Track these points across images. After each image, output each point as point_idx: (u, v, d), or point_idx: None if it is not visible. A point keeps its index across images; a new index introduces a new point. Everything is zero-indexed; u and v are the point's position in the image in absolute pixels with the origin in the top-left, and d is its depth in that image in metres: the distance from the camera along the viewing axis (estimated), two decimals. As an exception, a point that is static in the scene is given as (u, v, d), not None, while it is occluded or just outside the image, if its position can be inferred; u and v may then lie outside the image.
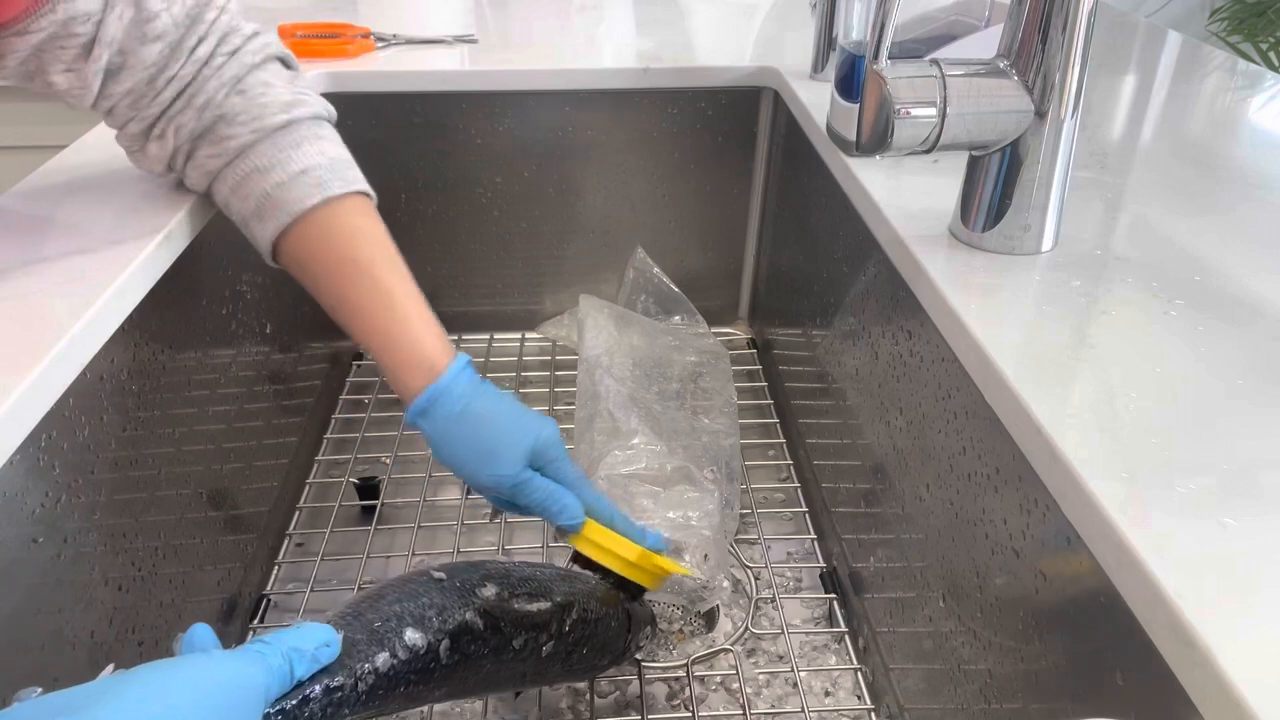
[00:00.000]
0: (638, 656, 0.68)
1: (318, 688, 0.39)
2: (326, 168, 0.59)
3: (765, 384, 1.03)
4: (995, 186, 0.56)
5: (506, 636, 0.50)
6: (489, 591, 0.50)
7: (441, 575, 0.49)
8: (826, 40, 0.89)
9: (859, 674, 0.71)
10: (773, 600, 0.77)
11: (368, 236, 0.60)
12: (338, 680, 0.40)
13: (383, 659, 0.42)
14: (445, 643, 0.46)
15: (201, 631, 0.37)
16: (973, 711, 0.53)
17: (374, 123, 0.97)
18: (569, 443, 0.89)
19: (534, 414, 0.60)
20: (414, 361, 0.57)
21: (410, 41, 1.01)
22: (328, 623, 0.42)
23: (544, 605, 0.53)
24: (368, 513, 0.86)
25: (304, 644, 0.39)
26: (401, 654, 0.43)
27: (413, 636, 0.44)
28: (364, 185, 0.61)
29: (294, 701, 0.38)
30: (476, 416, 0.57)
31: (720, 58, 0.98)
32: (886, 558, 0.68)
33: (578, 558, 0.62)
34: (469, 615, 0.47)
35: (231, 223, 0.61)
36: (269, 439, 0.82)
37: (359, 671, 0.41)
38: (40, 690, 0.34)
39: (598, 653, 0.59)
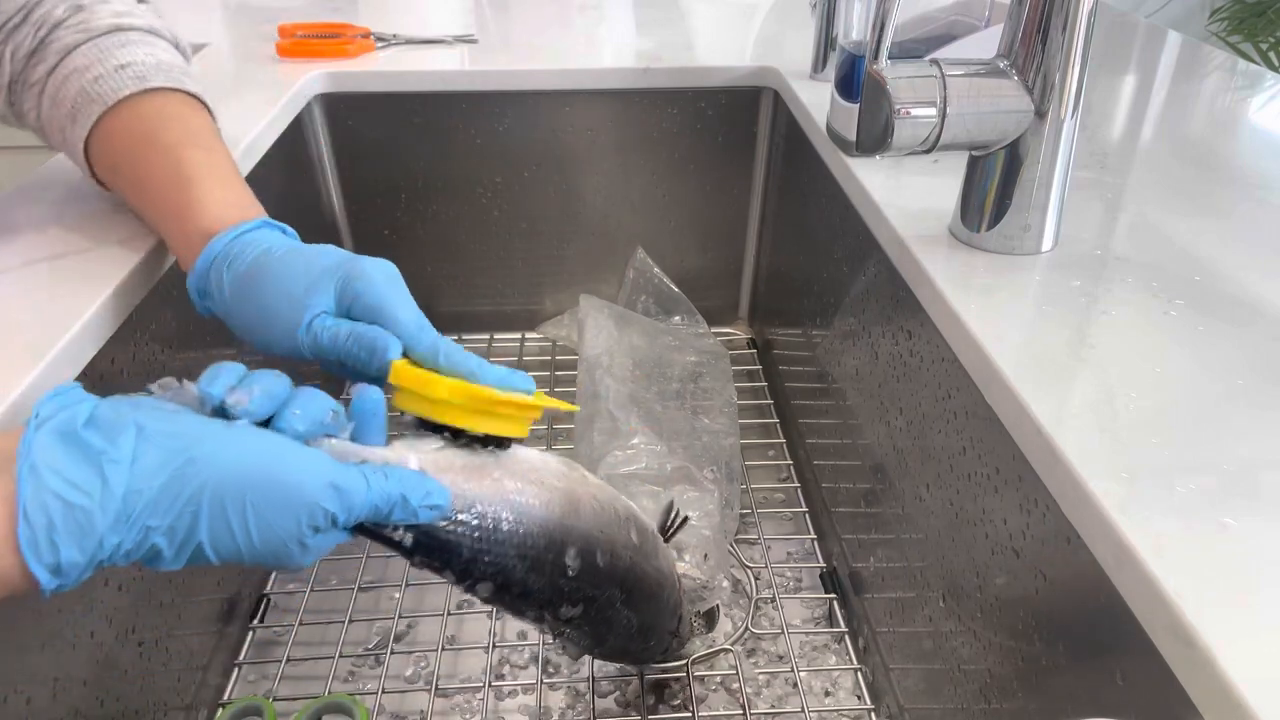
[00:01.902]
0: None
1: (388, 540, 0.42)
2: (152, 66, 0.54)
3: (765, 384, 1.03)
4: (995, 186, 0.56)
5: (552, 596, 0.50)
6: (571, 557, 0.49)
7: (574, 564, 0.49)
8: (826, 40, 0.89)
9: (859, 674, 0.71)
10: (773, 600, 0.77)
11: (180, 120, 0.53)
12: (400, 549, 0.42)
13: (433, 565, 0.45)
14: (487, 592, 0.47)
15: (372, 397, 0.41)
16: (973, 711, 0.53)
17: (374, 123, 0.97)
18: (569, 443, 0.89)
19: (348, 253, 0.46)
20: (199, 228, 0.48)
21: (410, 41, 1.01)
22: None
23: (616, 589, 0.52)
24: None
25: (412, 494, 0.40)
26: (447, 577, 0.46)
27: (483, 590, 0.47)
28: (196, 88, 0.55)
29: (369, 532, 0.41)
30: (265, 268, 0.46)
31: (720, 58, 0.98)
32: (886, 558, 0.68)
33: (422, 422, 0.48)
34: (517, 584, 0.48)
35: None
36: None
37: (414, 556, 0.44)
38: (177, 382, 0.38)
39: (644, 632, 0.58)
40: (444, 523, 0.43)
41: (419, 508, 0.40)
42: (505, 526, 0.45)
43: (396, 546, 0.42)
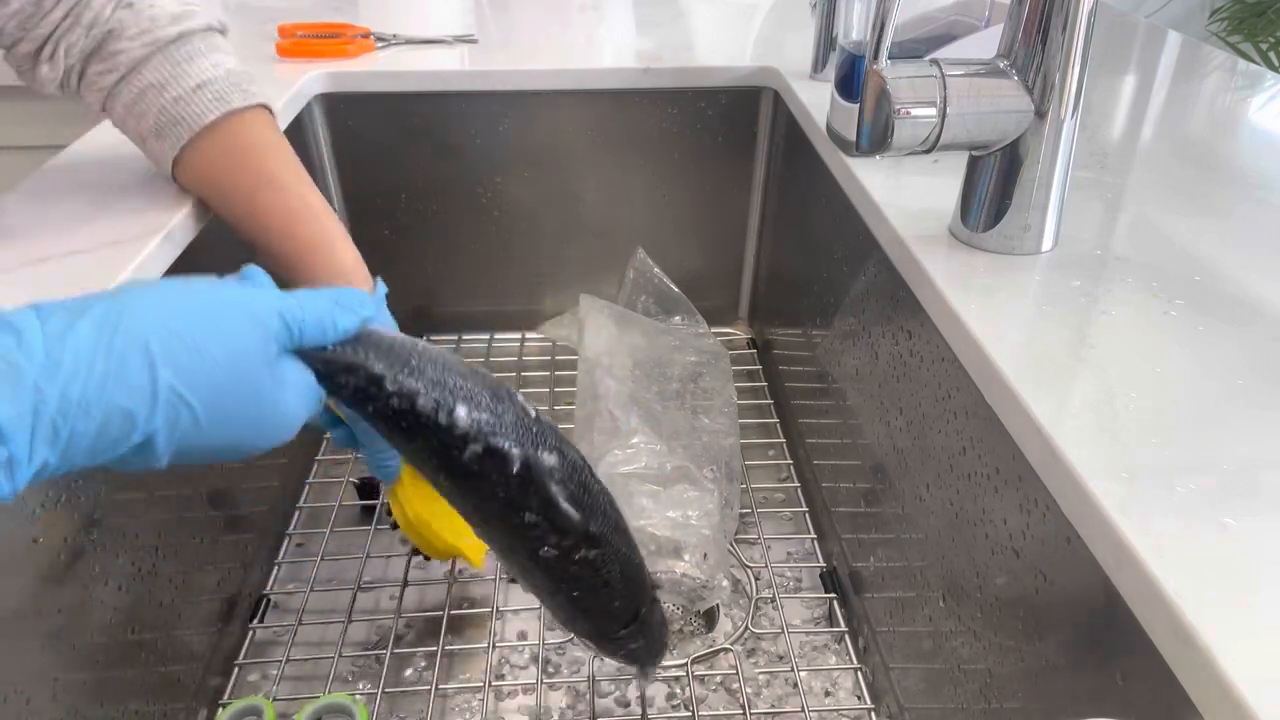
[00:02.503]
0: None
1: (361, 371, 0.39)
2: (224, 80, 0.58)
3: (765, 384, 1.03)
4: (995, 186, 0.56)
5: (524, 505, 0.45)
6: (550, 460, 0.44)
7: (531, 411, 0.45)
8: (826, 40, 0.89)
9: (859, 674, 0.71)
10: (773, 600, 0.77)
11: (276, 151, 0.60)
12: (377, 385, 0.39)
13: (424, 401, 0.40)
14: (478, 449, 0.42)
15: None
16: (973, 711, 0.53)
17: (374, 123, 0.97)
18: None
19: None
20: (335, 272, 0.59)
21: (410, 41, 1.01)
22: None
23: (575, 519, 0.46)
24: (368, 513, 0.86)
25: (341, 296, 0.38)
26: (440, 418, 0.41)
27: (460, 415, 0.41)
28: (264, 98, 0.61)
29: (336, 364, 0.39)
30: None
31: (720, 58, 0.98)
32: (886, 557, 0.68)
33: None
34: (514, 452, 0.43)
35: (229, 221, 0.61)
36: (269, 439, 0.82)
37: (403, 387, 0.40)
38: None
39: (585, 613, 0.52)
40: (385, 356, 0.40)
41: (354, 305, 0.39)
42: (456, 378, 0.43)
43: (353, 395, 0.40)
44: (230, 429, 0.34)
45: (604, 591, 0.50)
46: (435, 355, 0.42)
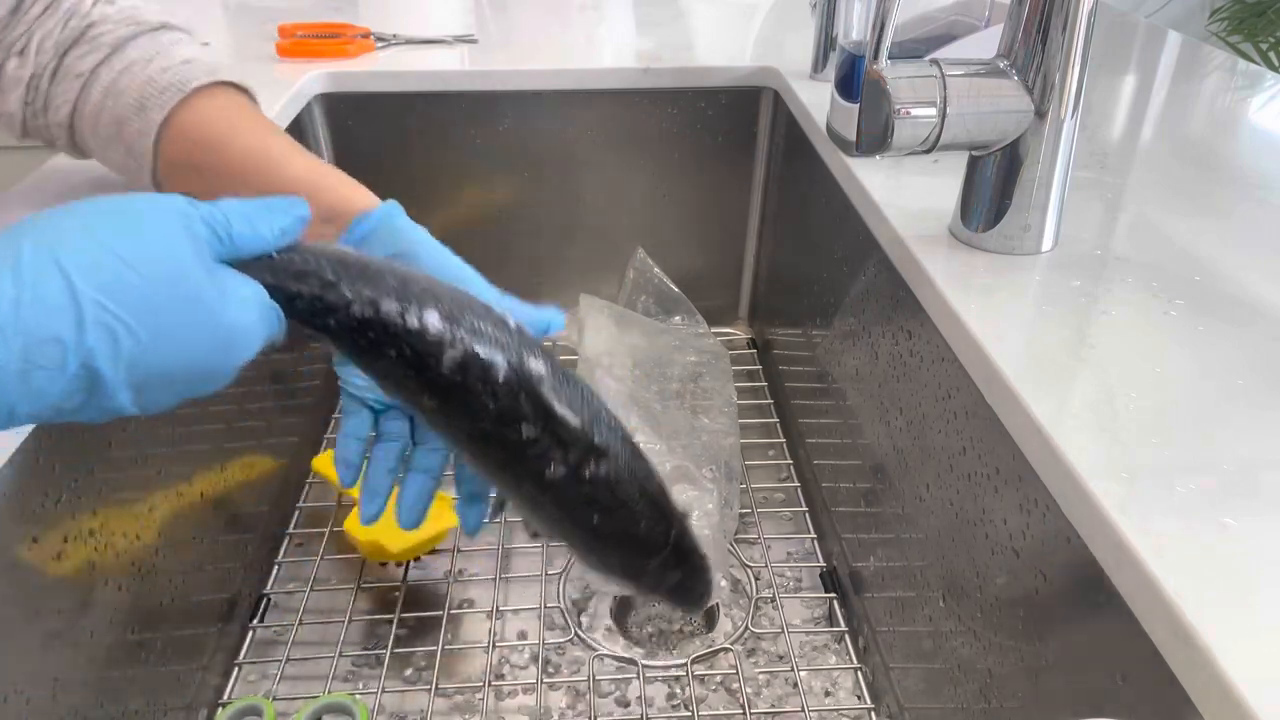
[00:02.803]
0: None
1: (313, 277, 0.36)
2: (213, 61, 0.56)
3: (765, 384, 1.03)
4: (995, 186, 0.56)
5: (519, 416, 0.40)
6: (538, 366, 0.40)
7: (510, 320, 0.41)
8: (826, 40, 0.89)
9: (859, 674, 0.71)
10: (773, 600, 0.77)
11: (264, 121, 0.56)
12: (334, 291, 0.36)
13: (390, 307, 0.37)
14: (457, 355, 0.38)
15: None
16: (973, 711, 0.53)
17: (374, 123, 0.97)
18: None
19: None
20: (342, 198, 0.53)
21: (410, 41, 1.01)
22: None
23: (576, 426, 0.42)
24: None
25: (271, 201, 0.36)
26: (410, 322, 0.37)
27: (432, 319, 0.38)
28: (249, 87, 0.58)
29: (284, 270, 0.35)
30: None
31: (720, 58, 0.98)
32: (886, 557, 0.68)
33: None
34: (498, 357, 0.39)
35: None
36: (269, 439, 0.82)
37: (362, 293, 0.36)
38: None
39: (609, 543, 0.46)
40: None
41: (285, 206, 0.36)
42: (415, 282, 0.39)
43: (310, 308, 0.37)
44: (180, 346, 0.31)
45: (623, 513, 0.45)
46: (392, 264, 0.39)
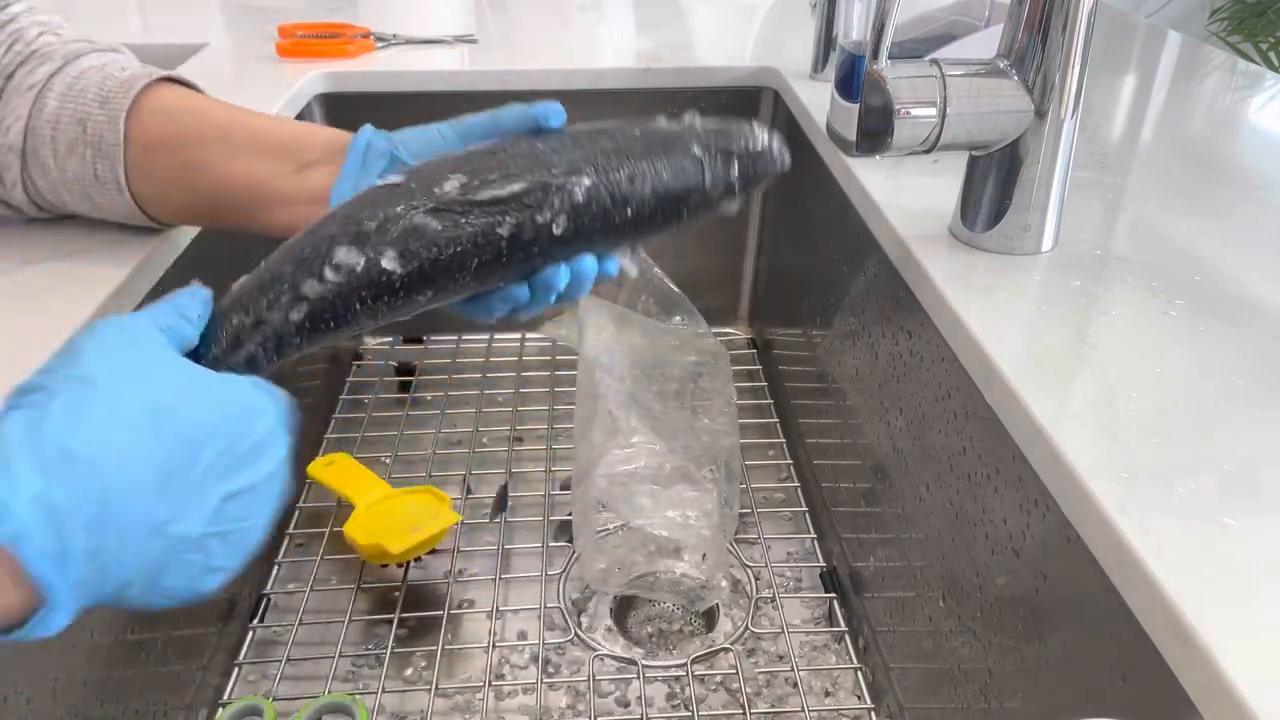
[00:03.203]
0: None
1: (243, 327, 0.39)
2: (168, 72, 0.56)
3: (765, 384, 1.03)
4: (995, 186, 0.56)
5: (483, 227, 0.42)
6: (451, 185, 0.42)
7: (398, 179, 0.42)
8: (826, 40, 0.89)
9: (859, 674, 0.71)
10: (773, 600, 0.77)
11: (240, 110, 0.56)
12: (263, 317, 0.39)
13: (310, 286, 0.39)
14: (389, 253, 0.40)
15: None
16: (973, 711, 0.53)
17: (374, 123, 0.96)
18: (569, 442, 0.89)
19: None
20: (326, 138, 0.55)
21: (410, 41, 1.01)
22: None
23: (528, 181, 0.43)
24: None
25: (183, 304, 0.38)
26: (333, 276, 0.40)
27: (344, 255, 0.40)
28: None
29: (223, 345, 0.39)
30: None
31: (720, 58, 0.98)
32: (886, 557, 0.68)
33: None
34: (417, 218, 0.41)
35: (230, 222, 0.60)
36: (269, 439, 0.82)
37: (284, 301, 0.39)
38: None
39: (658, 205, 0.47)
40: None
41: (185, 293, 0.39)
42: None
43: (264, 348, 0.41)
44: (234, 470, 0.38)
45: (645, 179, 0.46)
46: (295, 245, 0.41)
